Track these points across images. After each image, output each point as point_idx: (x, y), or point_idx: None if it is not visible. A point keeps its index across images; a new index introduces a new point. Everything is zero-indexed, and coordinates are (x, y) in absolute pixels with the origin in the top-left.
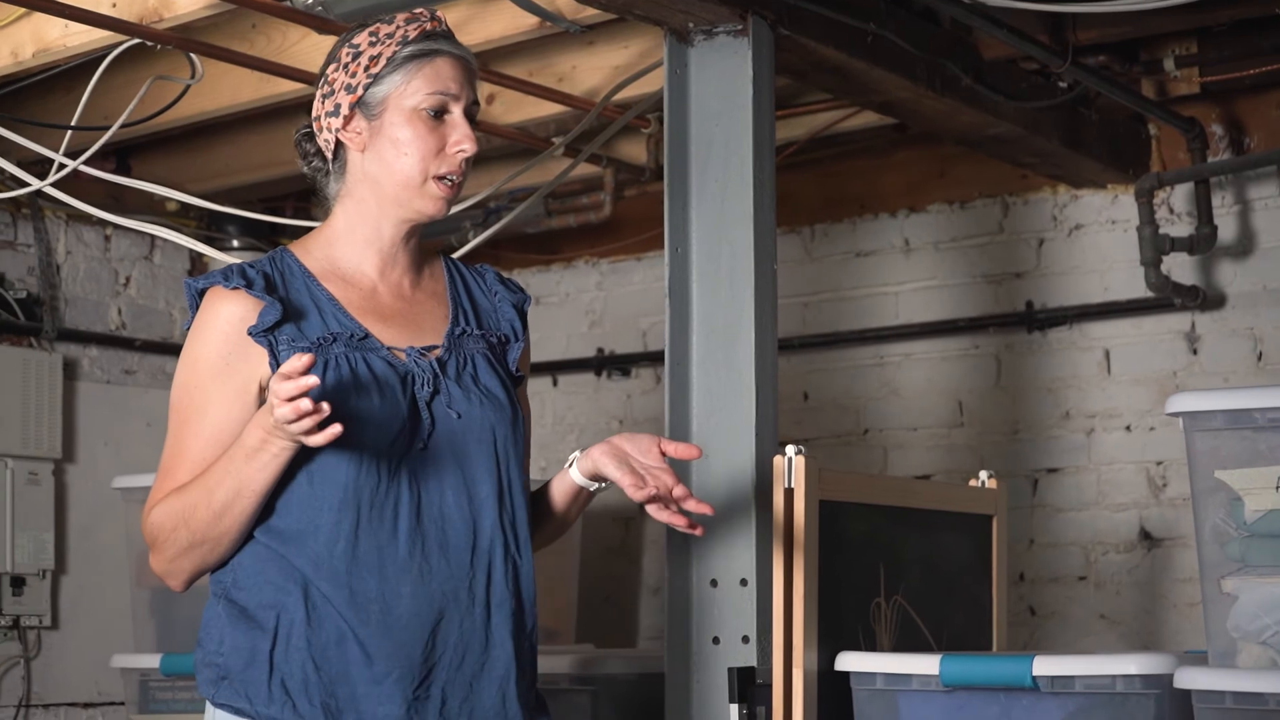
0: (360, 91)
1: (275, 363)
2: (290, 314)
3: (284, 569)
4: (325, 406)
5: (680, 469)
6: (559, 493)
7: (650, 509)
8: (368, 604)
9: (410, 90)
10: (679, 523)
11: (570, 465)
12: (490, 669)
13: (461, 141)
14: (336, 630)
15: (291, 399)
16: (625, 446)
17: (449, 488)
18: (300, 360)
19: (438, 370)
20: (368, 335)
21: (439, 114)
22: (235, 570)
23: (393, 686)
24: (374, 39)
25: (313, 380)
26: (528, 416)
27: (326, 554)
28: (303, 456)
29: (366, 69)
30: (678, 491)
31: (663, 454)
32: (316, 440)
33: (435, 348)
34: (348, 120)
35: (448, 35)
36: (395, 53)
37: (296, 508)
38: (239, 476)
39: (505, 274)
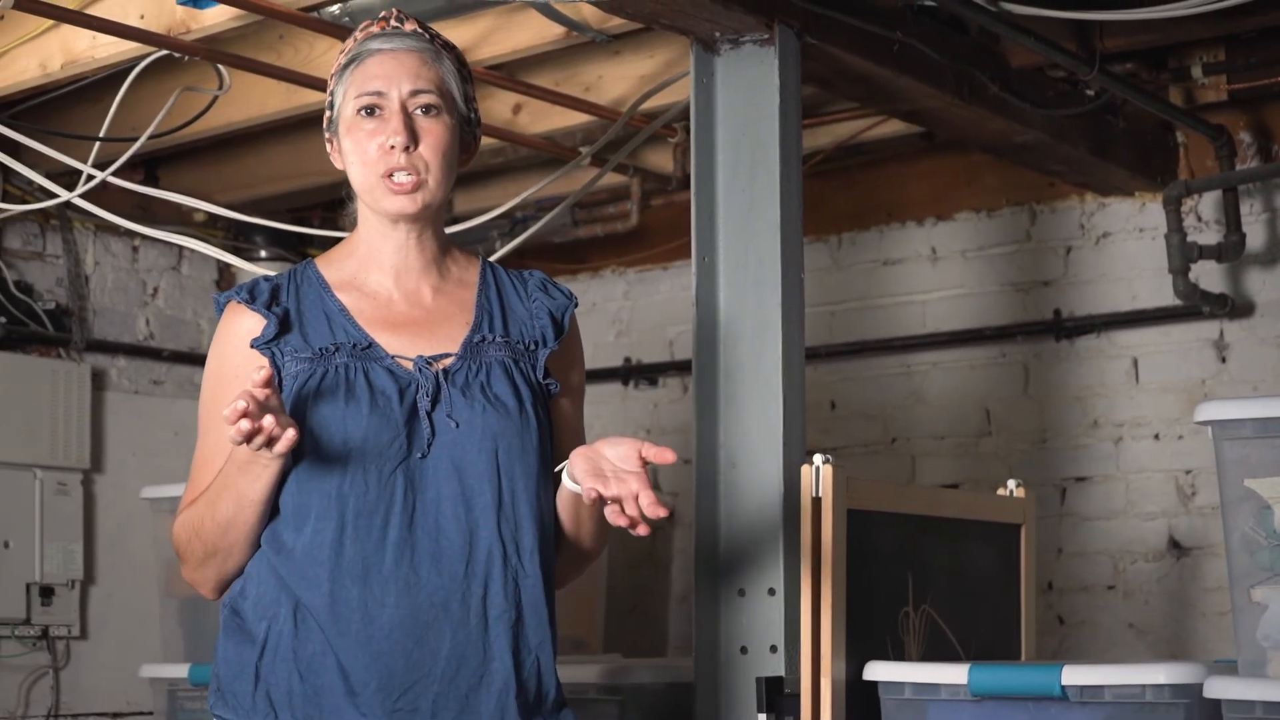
0: (327, 113)
1: (278, 372)
2: (298, 325)
3: (279, 580)
4: (267, 421)
5: (709, 478)
6: (561, 504)
7: (606, 511)
8: (349, 613)
9: (346, 100)
10: (622, 523)
11: (561, 471)
12: (489, 681)
13: (391, 136)
14: (321, 642)
15: (234, 423)
16: (604, 450)
17: (446, 498)
18: (258, 374)
19: (441, 380)
20: (371, 344)
21: (373, 112)
22: (245, 579)
23: (371, 698)
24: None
25: (240, 405)
26: (569, 428)
27: (309, 561)
28: (292, 464)
29: (330, 90)
30: (643, 498)
31: (642, 459)
32: (278, 449)
33: (447, 356)
34: (330, 143)
35: (390, 32)
36: (338, 68)
37: (292, 516)
38: (236, 489)
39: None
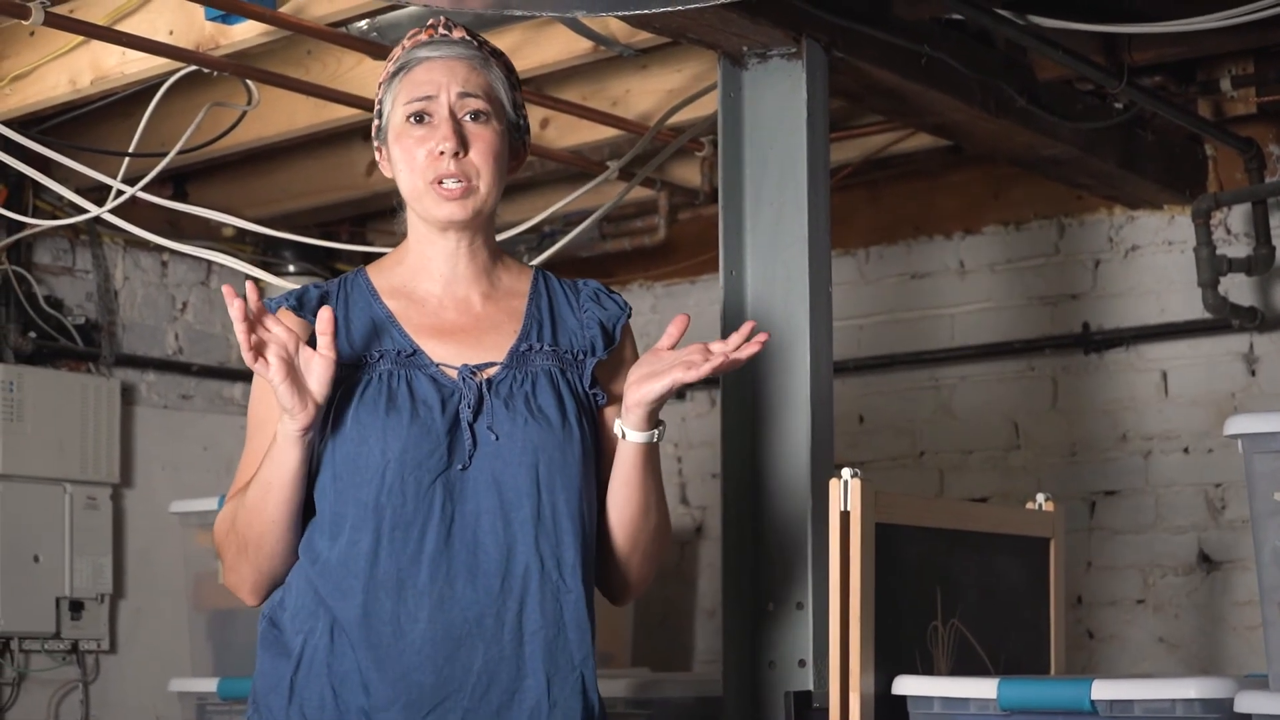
0: (375, 121)
1: None
2: (344, 331)
3: (316, 594)
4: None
5: (737, 491)
6: (616, 470)
7: (680, 365)
8: (380, 625)
9: (395, 108)
10: (744, 349)
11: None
12: (521, 699)
13: (440, 141)
14: (355, 656)
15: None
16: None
17: (485, 510)
18: (324, 315)
19: (484, 390)
20: (416, 352)
21: (422, 119)
22: (285, 590)
23: (399, 713)
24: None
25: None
26: (615, 440)
27: (344, 572)
28: (331, 473)
29: (378, 99)
30: (717, 347)
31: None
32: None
33: (493, 365)
34: (379, 152)
35: (439, 40)
36: (387, 76)
37: (329, 524)
38: (263, 474)
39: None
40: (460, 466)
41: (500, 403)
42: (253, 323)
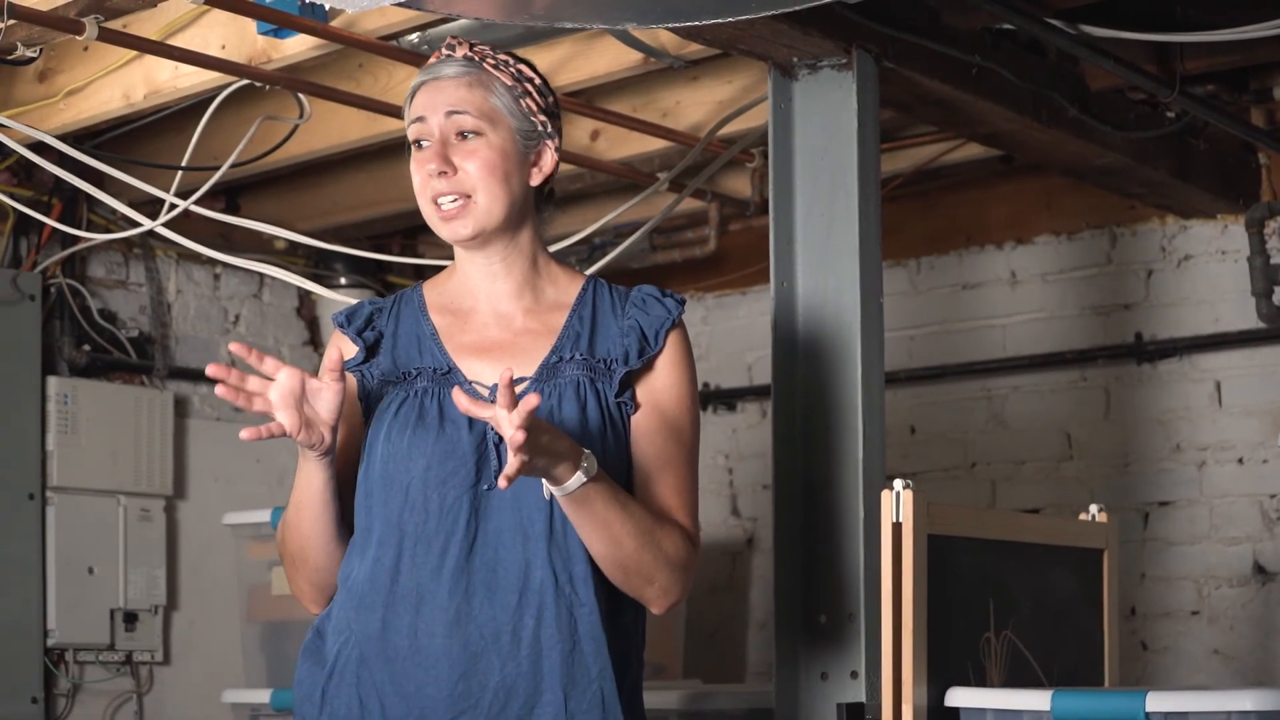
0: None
1: (362, 392)
2: (390, 348)
3: (347, 609)
4: (253, 384)
5: (788, 503)
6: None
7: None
8: (399, 640)
9: (408, 131)
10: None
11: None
12: (539, 714)
13: (428, 162)
14: (380, 668)
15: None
16: None
17: (506, 527)
18: (331, 356)
19: None
20: (451, 369)
21: (421, 144)
22: (334, 603)
23: None
24: None
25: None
26: (641, 449)
27: (369, 587)
28: (364, 489)
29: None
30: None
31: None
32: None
33: (523, 380)
34: None
35: (441, 61)
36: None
37: (360, 540)
38: (294, 493)
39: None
40: (486, 486)
41: None
42: (241, 389)
